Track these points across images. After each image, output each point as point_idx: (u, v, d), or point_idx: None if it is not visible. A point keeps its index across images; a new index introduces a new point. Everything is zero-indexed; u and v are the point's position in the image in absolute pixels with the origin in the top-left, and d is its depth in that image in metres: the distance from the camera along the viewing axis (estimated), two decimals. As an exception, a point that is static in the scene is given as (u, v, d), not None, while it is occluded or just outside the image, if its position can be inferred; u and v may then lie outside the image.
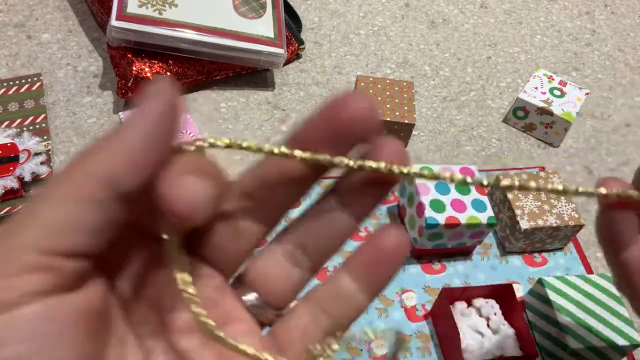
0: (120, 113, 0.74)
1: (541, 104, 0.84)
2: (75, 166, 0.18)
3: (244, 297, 0.22)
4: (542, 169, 0.83)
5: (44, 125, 0.76)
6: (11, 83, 0.79)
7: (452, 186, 0.67)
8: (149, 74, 0.79)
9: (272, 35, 0.84)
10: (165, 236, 0.20)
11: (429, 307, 0.66)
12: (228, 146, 0.20)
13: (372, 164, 0.20)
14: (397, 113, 0.80)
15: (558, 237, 0.71)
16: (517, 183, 0.20)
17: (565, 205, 0.70)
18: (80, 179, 0.17)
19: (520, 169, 0.82)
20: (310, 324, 0.22)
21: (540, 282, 0.65)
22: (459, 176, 0.20)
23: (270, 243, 0.23)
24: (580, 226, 0.70)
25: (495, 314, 0.63)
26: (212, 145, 0.20)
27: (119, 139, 0.18)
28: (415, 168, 0.20)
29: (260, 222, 0.22)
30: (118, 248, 0.19)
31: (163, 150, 0.18)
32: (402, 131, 0.81)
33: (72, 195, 0.17)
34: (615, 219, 0.26)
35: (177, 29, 0.78)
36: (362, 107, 0.20)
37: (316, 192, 0.22)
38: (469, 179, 0.20)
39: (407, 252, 0.22)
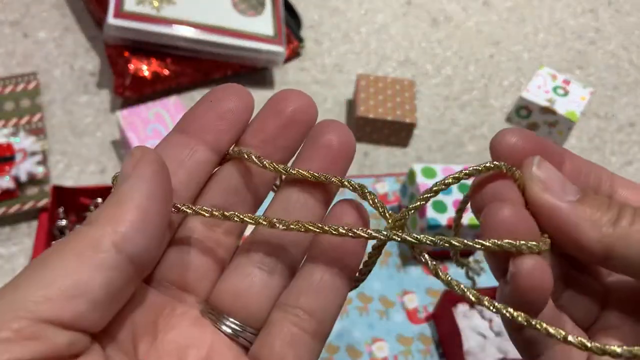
0: (117, 112, 0.73)
1: (544, 103, 0.83)
2: (85, 228, 0.17)
3: (223, 328, 0.21)
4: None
5: (40, 124, 0.75)
6: (7, 82, 0.78)
7: (454, 187, 0.66)
8: (146, 73, 0.78)
9: (271, 32, 0.82)
10: None
11: (430, 309, 0.65)
12: (212, 215, 0.20)
13: (359, 231, 0.20)
14: (398, 112, 0.79)
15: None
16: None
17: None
18: (90, 241, 0.17)
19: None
20: (295, 331, 0.20)
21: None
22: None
23: (236, 257, 0.22)
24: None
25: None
26: (195, 212, 0.20)
27: (126, 201, 0.17)
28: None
29: (228, 234, 0.21)
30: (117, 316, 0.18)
31: (166, 210, 0.18)
32: (403, 131, 0.80)
33: (80, 258, 0.16)
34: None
35: (175, 26, 0.77)
36: (304, 102, 0.21)
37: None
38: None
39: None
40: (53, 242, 0.64)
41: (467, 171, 0.20)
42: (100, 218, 0.17)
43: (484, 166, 0.20)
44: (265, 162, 0.20)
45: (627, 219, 0.19)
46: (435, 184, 0.20)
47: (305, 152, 0.21)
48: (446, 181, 0.20)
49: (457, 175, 0.20)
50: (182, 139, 0.21)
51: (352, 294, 0.62)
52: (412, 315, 0.65)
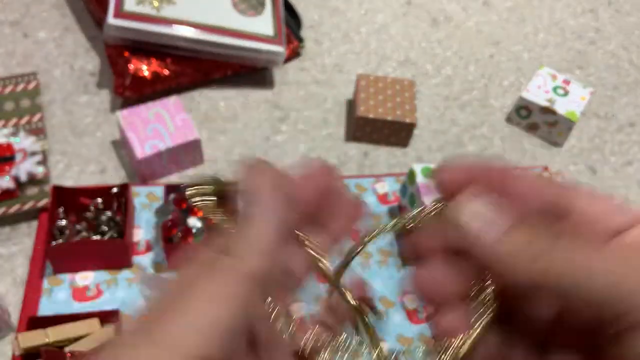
0: (117, 112, 0.73)
1: (544, 103, 0.83)
2: (228, 261, 0.18)
3: None
4: (546, 168, 0.82)
5: (40, 124, 0.75)
6: (7, 82, 0.78)
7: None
8: (146, 73, 0.78)
9: (271, 33, 0.82)
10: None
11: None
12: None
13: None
14: (398, 112, 0.79)
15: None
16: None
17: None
18: (228, 278, 0.18)
19: (524, 168, 0.81)
20: None
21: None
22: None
23: None
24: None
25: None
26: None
27: (256, 235, 0.19)
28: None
29: None
30: None
31: (289, 234, 0.20)
32: (403, 131, 0.80)
33: (222, 295, 0.17)
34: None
35: (175, 26, 0.77)
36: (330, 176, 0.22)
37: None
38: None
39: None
40: (53, 242, 0.64)
41: (410, 217, 0.21)
42: (239, 250, 0.18)
43: (426, 213, 0.21)
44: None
45: (563, 250, 0.19)
46: (368, 235, 0.21)
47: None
48: (385, 229, 0.21)
49: (396, 222, 0.21)
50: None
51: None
52: (412, 316, 0.65)
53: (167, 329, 0.17)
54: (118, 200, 0.67)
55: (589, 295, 0.18)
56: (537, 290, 0.20)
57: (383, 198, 0.75)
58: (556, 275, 0.19)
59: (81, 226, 0.66)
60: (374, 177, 0.77)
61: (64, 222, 0.65)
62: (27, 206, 0.67)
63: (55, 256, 0.63)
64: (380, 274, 0.67)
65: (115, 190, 0.67)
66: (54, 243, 0.64)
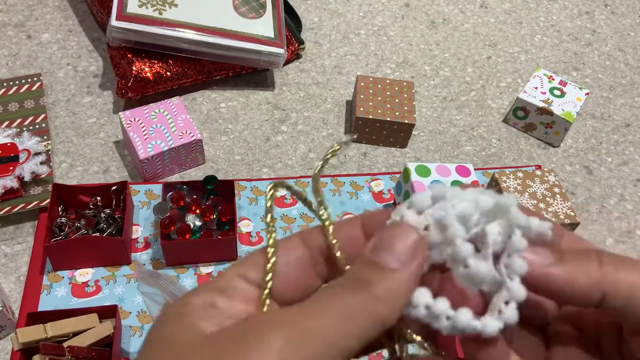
0: (120, 113, 0.74)
1: (541, 104, 0.84)
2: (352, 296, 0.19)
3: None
4: (539, 167, 0.83)
5: (43, 125, 0.76)
6: (11, 83, 0.79)
7: (448, 183, 0.67)
8: (149, 74, 0.79)
9: (272, 35, 0.84)
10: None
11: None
12: None
13: None
14: (397, 113, 0.80)
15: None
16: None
17: (562, 204, 0.70)
18: (363, 305, 0.18)
19: (517, 167, 0.82)
20: None
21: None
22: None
23: None
24: (577, 224, 0.70)
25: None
26: None
27: (398, 284, 0.20)
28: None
29: None
30: None
31: None
32: (402, 131, 0.81)
33: (347, 315, 0.18)
34: None
35: (177, 28, 0.78)
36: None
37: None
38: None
39: None
40: (52, 239, 0.65)
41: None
42: (382, 296, 0.19)
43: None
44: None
45: (610, 264, 0.21)
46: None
47: None
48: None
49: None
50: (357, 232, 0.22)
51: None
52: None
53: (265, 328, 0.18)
54: (117, 198, 0.68)
55: None
56: (599, 304, 0.21)
57: (378, 196, 0.76)
58: (620, 289, 0.20)
59: (80, 223, 0.67)
60: (370, 175, 0.78)
61: (63, 220, 0.66)
62: (30, 205, 0.68)
63: (55, 253, 0.64)
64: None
65: (114, 188, 0.67)
66: (53, 240, 0.64)
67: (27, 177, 0.68)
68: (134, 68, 0.78)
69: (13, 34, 0.89)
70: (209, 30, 0.80)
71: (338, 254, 0.21)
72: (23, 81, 0.79)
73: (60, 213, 0.67)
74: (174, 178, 0.76)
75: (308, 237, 0.22)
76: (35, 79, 0.80)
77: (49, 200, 0.68)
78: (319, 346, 0.17)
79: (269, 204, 0.22)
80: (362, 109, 0.80)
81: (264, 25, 0.84)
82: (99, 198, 0.68)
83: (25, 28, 0.90)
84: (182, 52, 0.80)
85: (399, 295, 0.19)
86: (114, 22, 0.75)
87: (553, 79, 0.88)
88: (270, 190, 0.22)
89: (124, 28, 0.76)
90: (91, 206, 0.68)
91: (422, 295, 0.20)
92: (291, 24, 0.92)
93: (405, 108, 0.81)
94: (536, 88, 0.86)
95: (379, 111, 0.80)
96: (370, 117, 0.79)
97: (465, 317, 0.19)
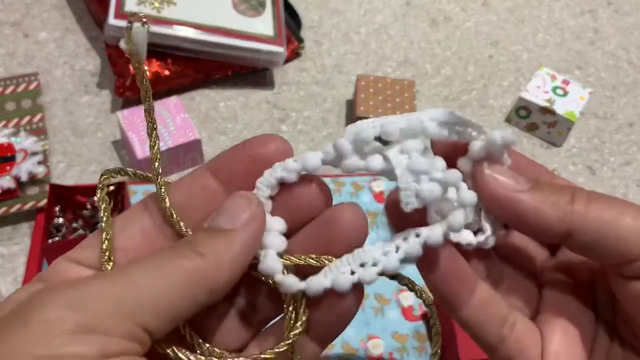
0: (118, 112, 0.73)
1: (544, 103, 0.83)
2: (193, 259, 0.19)
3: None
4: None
5: (41, 124, 0.75)
6: (8, 82, 0.78)
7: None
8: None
9: (271, 33, 0.83)
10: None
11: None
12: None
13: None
14: (397, 112, 0.79)
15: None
16: None
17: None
18: (194, 271, 0.18)
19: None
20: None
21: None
22: None
23: None
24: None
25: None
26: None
27: (226, 253, 0.20)
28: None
29: None
30: None
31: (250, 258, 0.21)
32: (403, 131, 0.80)
33: (182, 281, 0.18)
34: (443, 277, 0.23)
35: (175, 27, 0.77)
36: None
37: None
38: None
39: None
40: (49, 240, 0.64)
41: None
42: (207, 253, 0.19)
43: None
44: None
45: (582, 199, 0.20)
46: None
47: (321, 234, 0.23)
48: None
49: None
50: (209, 181, 0.22)
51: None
52: (407, 313, 0.65)
53: (124, 293, 0.18)
54: (114, 198, 0.67)
55: (617, 240, 0.20)
56: (569, 237, 0.21)
57: (379, 196, 0.76)
58: (589, 223, 0.20)
59: (78, 224, 0.66)
60: (370, 176, 0.78)
61: (60, 220, 0.66)
62: (28, 206, 0.68)
63: (52, 254, 0.63)
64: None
65: (111, 188, 0.67)
66: (50, 241, 0.64)
67: (24, 178, 0.68)
68: (132, 67, 0.78)
69: (9, 33, 0.88)
70: (208, 29, 0.79)
71: (174, 217, 0.21)
72: (20, 80, 0.79)
73: (57, 213, 0.66)
74: (173, 178, 0.75)
75: (149, 203, 0.22)
76: (32, 78, 0.79)
77: (46, 200, 0.68)
78: (109, 308, 0.17)
79: (101, 193, 0.25)
80: (362, 108, 0.80)
81: (264, 24, 0.83)
82: (96, 198, 0.67)
83: (22, 26, 0.89)
84: (180, 51, 0.79)
85: (229, 253, 0.19)
86: (111, 20, 0.75)
87: (556, 78, 0.87)
88: (103, 177, 0.24)
89: (122, 26, 0.75)
90: (88, 206, 0.67)
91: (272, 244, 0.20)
92: (291, 22, 0.91)
93: (406, 107, 0.80)
94: (539, 87, 0.86)
95: (380, 110, 0.79)
96: (371, 116, 0.79)
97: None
